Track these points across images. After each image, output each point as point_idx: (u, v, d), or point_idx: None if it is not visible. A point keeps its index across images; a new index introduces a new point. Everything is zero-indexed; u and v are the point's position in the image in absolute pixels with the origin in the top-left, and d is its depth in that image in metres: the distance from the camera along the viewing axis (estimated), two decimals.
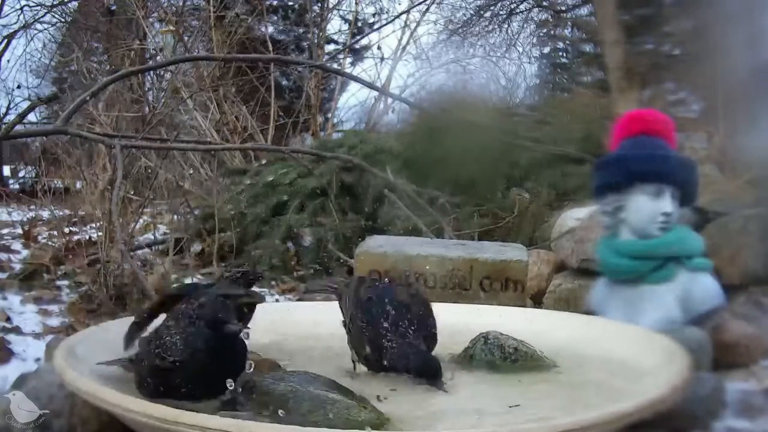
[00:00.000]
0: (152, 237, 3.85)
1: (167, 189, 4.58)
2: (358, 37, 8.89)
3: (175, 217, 4.01)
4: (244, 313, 1.50)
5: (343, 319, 1.57)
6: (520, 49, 9.64)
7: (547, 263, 2.70)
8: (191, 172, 5.18)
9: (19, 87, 6.54)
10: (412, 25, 7.98)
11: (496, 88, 8.14)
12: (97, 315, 2.44)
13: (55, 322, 2.42)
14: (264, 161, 4.32)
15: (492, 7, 9.38)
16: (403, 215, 3.14)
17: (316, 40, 7.78)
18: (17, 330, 2.25)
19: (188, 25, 6.80)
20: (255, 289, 1.80)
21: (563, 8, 10.00)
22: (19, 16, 6.63)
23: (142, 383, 1.26)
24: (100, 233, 2.94)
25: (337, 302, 1.63)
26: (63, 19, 7.68)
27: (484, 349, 1.55)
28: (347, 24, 8.75)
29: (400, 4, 8.77)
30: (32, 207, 4.97)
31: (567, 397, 1.36)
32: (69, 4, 7.57)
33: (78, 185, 4.17)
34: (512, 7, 9.54)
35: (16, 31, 6.29)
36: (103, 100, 4.34)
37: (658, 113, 1.99)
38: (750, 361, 1.74)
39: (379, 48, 7.95)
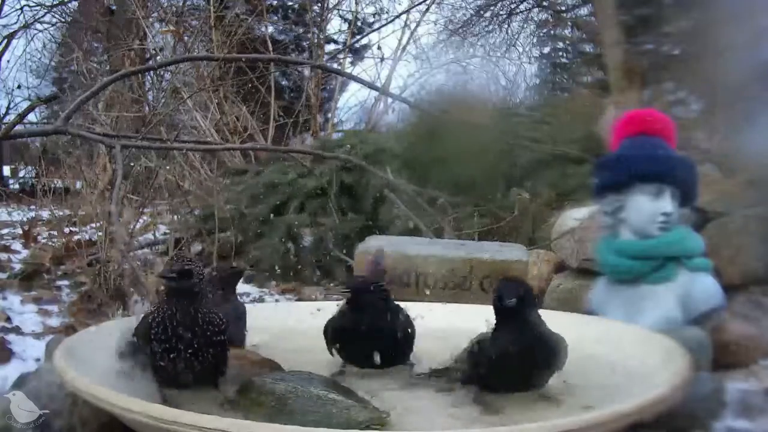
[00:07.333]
0: (152, 237, 3.85)
1: (167, 189, 4.57)
2: (358, 37, 8.90)
3: (175, 217, 4.01)
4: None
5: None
6: (520, 49, 9.69)
7: (547, 263, 2.70)
8: (191, 172, 5.17)
9: (19, 87, 6.55)
10: (412, 25, 7.99)
11: (496, 88, 8.15)
12: (97, 315, 2.43)
13: (55, 322, 2.41)
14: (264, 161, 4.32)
15: (492, 7, 9.40)
16: (403, 215, 3.14)
17: (316, 40, 7.79)
18: (17, 330, 2.25)
19: (188, 25, 6.79)
20: None
21: (563, 8, 10.02)
22: (19, 16, 6.67)
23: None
24: (100, 233, 2.94)
25: (334, 301, 1.62)
26: (63, 19, 7.71)
27: None
28: (347, 24, 8.76)
29: (400, 4, 8.80)
30: (32, 207, 4.97)
31: (567, 397, 1.36)
32: (69, 4, 7.59)
33: (78, 185, 4.17)
34: (512, 7, 9.56)
35: (16, 31, 6.31)
36: (103, 100, 4.34)
37: (658, 113, 1.99)
38: (750, 361, 1.74)
39: (379, 48, 7.96)
